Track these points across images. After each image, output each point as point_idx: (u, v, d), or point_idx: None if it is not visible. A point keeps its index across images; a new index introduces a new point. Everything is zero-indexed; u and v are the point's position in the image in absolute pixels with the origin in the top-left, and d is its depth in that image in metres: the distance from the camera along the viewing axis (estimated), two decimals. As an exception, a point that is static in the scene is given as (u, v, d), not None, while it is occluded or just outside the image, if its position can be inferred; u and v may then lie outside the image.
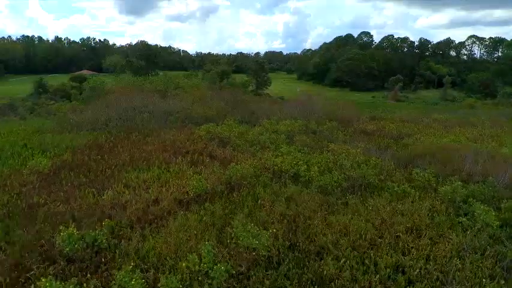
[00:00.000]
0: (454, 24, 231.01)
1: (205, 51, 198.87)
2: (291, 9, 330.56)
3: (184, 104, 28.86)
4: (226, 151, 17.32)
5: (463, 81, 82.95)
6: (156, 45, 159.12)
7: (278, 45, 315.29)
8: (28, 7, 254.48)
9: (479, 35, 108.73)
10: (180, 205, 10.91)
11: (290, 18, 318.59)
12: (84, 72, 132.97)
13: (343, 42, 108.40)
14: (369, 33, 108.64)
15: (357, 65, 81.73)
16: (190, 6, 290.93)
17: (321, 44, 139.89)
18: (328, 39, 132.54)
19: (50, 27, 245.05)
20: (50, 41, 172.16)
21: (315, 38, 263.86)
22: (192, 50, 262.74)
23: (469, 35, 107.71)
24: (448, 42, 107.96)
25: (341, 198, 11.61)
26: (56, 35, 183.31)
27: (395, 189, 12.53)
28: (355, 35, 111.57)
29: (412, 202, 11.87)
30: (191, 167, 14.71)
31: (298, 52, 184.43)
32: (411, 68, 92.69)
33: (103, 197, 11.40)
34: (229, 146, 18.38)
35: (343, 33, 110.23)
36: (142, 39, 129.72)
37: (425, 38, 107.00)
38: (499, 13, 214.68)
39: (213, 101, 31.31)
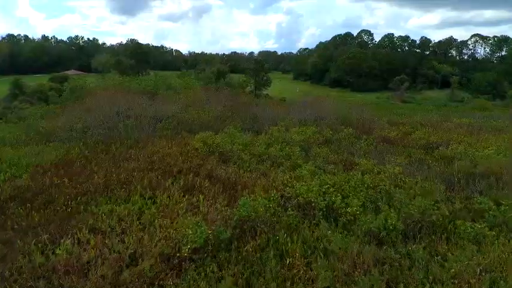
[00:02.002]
0: (445, 24, 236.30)
1: (198, 51, 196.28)
2: (283, 9, 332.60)
3: (176, 108, 25.33)
4: (229, 169, 13.84)
5: (468, 81, 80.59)
6: (148, 44, 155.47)
7: (271, 45, 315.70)
8: (18, 6, 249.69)
9: (471, 35, 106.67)
10: (168, 265, 7.44)
11: (283, 18, 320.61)
12: (72, 72, 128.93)
13: (342, 40, 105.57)
14: (369, 31, 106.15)
15: (358, 65, 78.81)
16: (182, 6, 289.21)
17: (314, 43, 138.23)
18: (321, 39, 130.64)
19: (40, 27, 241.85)
20: (37, 40, 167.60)
21: (307, 38, 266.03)
22: (185, 50, 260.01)
23: (460, 35, 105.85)
24: (449, 41, 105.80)
25: (400, 247, 8.24)
26: (45, 34, 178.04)
27: (468, 230, 9.21)
28: (349, 35, 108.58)
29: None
30: (184, 195, 11.22)
31: (293, 52, 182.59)
32: (413, 68, 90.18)
33: (57, 252, 7.88)
34: (232, 162, 14.93)
35: (336, 34, 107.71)
36: (133, 38, 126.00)
37: (425, 37, 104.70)
38: (489, 13, 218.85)
39: (210, 104, 27.83)
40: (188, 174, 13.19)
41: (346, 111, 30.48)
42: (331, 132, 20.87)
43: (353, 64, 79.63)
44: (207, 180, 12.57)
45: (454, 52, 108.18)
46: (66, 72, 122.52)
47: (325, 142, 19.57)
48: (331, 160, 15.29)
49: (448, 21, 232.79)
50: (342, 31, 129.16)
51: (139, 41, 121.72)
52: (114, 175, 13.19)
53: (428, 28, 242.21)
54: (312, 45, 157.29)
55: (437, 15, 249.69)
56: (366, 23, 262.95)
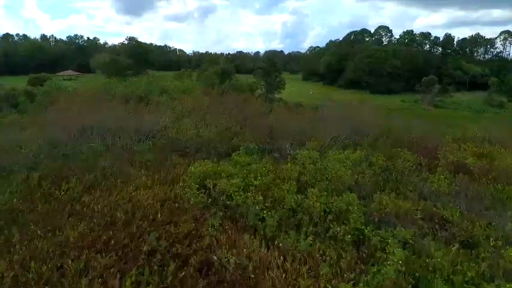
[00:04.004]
0: (453, 24, 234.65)
1: (203, 51, 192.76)
2: (289, 9, 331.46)
3: (168, 119, 19.59)
4: (242, 246, 7.96)
5: (502, 83, 73.70)
6: (151, 43, 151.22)
7: (276, 46, 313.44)
8: (24, 7, 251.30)
9: (500, 32, 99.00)
10: None
11: (288, 18, 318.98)
12: (69, 72, 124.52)
13: (358, 37, 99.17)
14: (387, 27, 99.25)
15: (379, 64, 72.34)
16: (188, 6, 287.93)
17: (319, 43, 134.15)
18: (327, 40, 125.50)
19: (46, 28, 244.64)
20: (34, 39, 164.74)
21: (313, 38, 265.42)
22: (189, 50, 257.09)
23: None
24: (474, 39, 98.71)
25: None
26: (43, 33, 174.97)
27: None
28: (366, 31, 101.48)
29: None
30: None
31: (301, 51, 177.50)
32: (437, 68, 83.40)
33: None
34: (247, 223, 9.06)
35: (341, 33, 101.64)
36: (132, 36, 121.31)
37: (449, 33, 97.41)
38: (497, 13, 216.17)
39: (212, 113, 22.03)
40: (168, 260, 7.36)
41: (388, 121, 24.54)
42: (384, 159, 14.89)
43: (373, 63, 73.00)
44: (203, 280, 6.71)
45: (479, 51, 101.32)
46: (63, 72, 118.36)
47: (381, 174, 13.65)
48: (414, 220, 9.33)
49: (455, 20, 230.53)
50: (348, 31, 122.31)
51: (138, 39, 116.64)
52: (36, 261, 7.41)
53: (436, 28, 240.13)
54: (316, 44, 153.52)
55: (444, 14, 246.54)
56: (372, 23, 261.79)
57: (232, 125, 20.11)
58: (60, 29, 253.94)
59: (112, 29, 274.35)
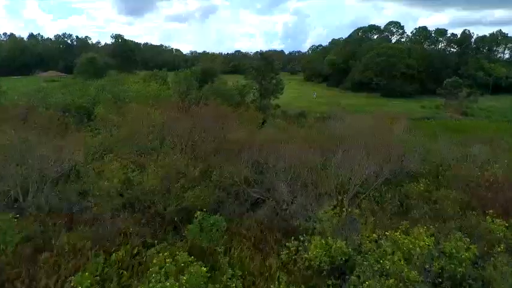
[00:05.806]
0: (455, 24, 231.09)
1: (202, 51, 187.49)
2: (290, 9, 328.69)
3: (89, 151, 12.35)
4: None
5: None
6: (147, 43, 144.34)
7: (277, 46, 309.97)
8: (26, 7, 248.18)
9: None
10: None
11: (290, 19, 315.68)
12: (50, 73, 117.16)
13: (367, 34, 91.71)
14: (398, 23, 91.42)
15: (392, 64, 64.80)
16: (189, 7, 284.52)
17: (321, 43, 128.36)
18: (328, 40, 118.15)
19: (47, 28, 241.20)
20: (19, 38, 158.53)
21: (314, 38, 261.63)
22: (190, 50, 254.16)
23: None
24: (495, 37, 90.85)
25: None
26: (32, 33, 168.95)
27: None
28: (374, 28, 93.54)
29: None
30: None
31: (302, 51, 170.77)
32: (455, 68, 75.99)
33: None
34: None
35: (343, 34, 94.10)
36: (119, 34, 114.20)
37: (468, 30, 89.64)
38: (499, 13, 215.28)
39: (169, 137, 14.77)
40: None
41: (427, 142, 17.28)
42: (470, 244, 7.63)
43: (385, 63, 65.35)
44: None
45: (498, 50, 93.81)
46: (48, 73, 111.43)
47: None
48: None
49: (457, 21, 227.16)
50: (349, 31, 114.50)
51: (124, 37, 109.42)
52: None
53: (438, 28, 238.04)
54: (318, 44, 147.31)
55: (445, 15, 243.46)
56: (374, 23, 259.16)
57: (192, 165, 12.66)
58: (61, 29, 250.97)
59: (113, 30, 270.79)
